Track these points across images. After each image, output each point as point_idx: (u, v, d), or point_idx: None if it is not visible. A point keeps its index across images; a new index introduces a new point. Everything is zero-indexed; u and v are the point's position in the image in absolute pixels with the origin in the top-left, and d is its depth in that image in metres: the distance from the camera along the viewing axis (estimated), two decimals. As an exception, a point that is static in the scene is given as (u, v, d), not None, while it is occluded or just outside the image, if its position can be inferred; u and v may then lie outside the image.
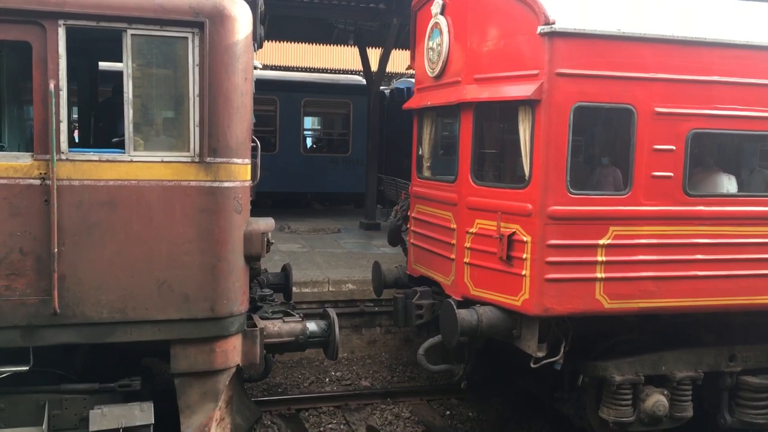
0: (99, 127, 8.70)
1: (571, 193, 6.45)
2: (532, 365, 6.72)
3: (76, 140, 8.23)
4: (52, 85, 5.22)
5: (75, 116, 8.55)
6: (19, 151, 5.77)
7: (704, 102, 6.72)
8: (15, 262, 5.28)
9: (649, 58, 6.52)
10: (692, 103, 6.68)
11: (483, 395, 9.26)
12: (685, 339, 7.40)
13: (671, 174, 6.67)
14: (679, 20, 6.80)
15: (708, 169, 7.45)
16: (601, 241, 6.54)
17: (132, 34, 5.41)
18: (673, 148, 6.66)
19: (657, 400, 6.97)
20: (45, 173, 5.27)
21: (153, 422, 5.75)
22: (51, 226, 5.26)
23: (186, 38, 5.50)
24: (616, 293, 6.60)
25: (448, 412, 8.99)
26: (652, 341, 7.30)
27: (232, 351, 5.96)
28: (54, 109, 5.23)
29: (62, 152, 5.31)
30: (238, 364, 6.09)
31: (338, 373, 10.05)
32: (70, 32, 5.28)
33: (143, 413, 5.73)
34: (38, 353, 5.52)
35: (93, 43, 7.13)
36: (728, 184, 7.29)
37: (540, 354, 6.64)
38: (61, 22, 5.22)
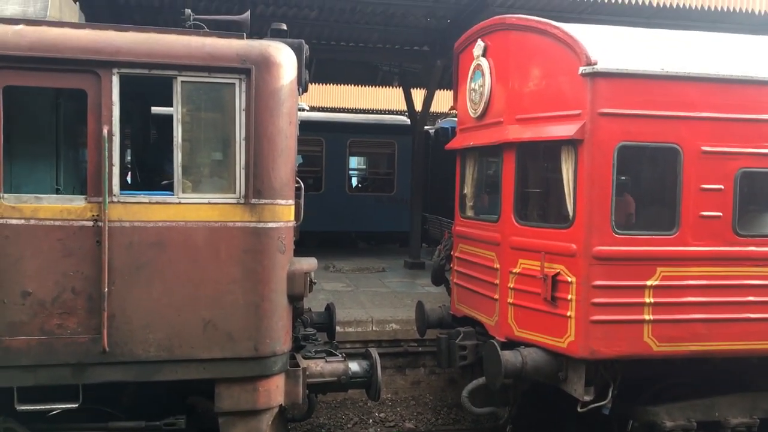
0: (149, 169, 8.95)
1: (617, 233, 6.36)
2: (579, 409, 6.57)
3: (129, 182, 8.49)
4: (105, 131, 5.42)
5: (128, 158, 8.83)
6: (73, 194, 5.98)
7: (753, 140, 6.61)
8: (67, 302, 5.43)
9: (695, 96, 6.46)
10: (741, 142, 6.58)
11: (529, 439, 9.06)
12: (739, 383, 7.15)
13: (720, 213, 6.54)
14: (724, 58, 6.73)
15: (759, 209, 7.27)
16: (648, 282, 6.41)
17: (182, 81, 5.60)
18: (722, 187, 6.54)
19: (710, 447, 6.74)
20: (97, 215, 5.45)
21: (197, 461, 5.79)
22: (102, 267, 5.41)
23: (233, 84, 5.67)
24: (665, 336, 6.44)
25: (493, 456, 8.82)
26: (703, 386, 7.08)
27: (275, 390, 5.99)
28: (107, 153, 5.42)
29: (114, 195, 5.49)
30: (281, 404, 6.11)
31: (382, 414, 9.96)
32: (124, 80, 5.50)
33: (187, 452, 5.79)
34: (87, 390, 5.64)
35: (147, 88, 7.39)
36: (781, 223, 7.10)
37: (587, 398, 6.51)
38: (115, 70, 5.44)
